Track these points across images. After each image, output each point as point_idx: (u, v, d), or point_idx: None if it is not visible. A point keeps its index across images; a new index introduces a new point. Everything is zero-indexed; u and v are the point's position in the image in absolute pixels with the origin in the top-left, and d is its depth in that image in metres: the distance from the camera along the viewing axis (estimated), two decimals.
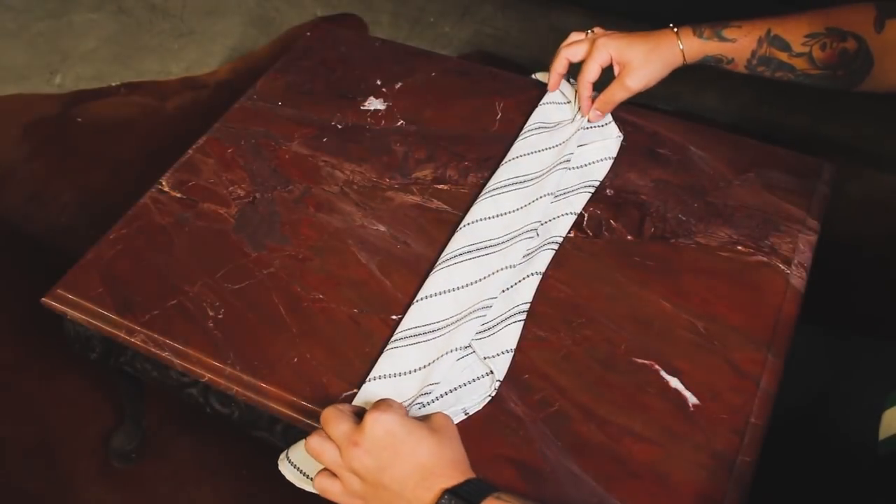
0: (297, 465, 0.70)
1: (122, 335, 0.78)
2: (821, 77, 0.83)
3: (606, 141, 0.93)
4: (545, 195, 0.85)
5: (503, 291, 0.78)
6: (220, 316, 0.78)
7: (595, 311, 0.78)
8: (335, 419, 0.62)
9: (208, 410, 0.82)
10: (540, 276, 0.80)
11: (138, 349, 0.78)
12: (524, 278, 0.79)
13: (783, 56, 0.83)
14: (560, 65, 0.94)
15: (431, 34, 1.89)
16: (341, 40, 1.11)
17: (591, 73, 0.91)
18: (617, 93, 0.90)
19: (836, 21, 0.81)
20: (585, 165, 0.91)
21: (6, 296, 1.32)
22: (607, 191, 0.89)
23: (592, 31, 0.94)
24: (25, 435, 1.17)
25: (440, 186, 0.90)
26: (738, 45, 0.85)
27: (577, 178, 0.90)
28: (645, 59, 0.87)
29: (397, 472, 0.59)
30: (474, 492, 0.58)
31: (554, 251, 0.82)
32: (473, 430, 0.70)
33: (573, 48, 0.93)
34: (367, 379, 0.72)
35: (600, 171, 0.91)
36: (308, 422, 0.71)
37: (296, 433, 0.77)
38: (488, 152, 0.94)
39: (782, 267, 0.81)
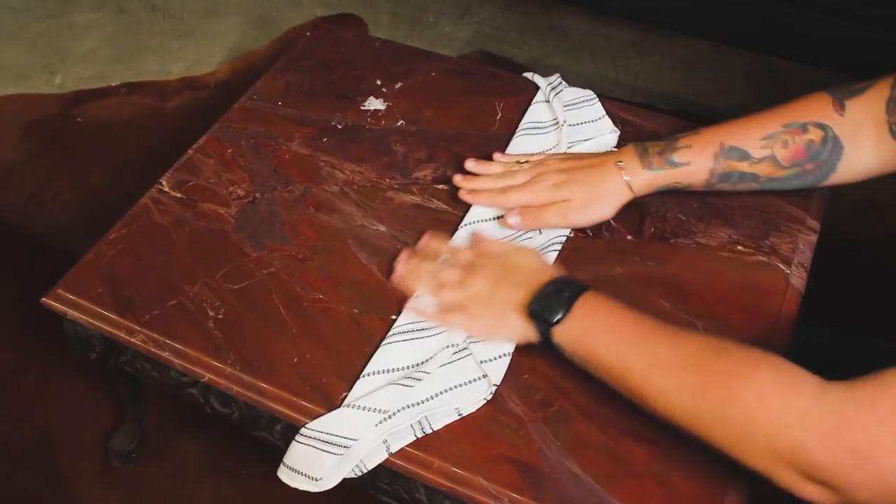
0: (298, 468, 0.70)
1: (122, 335, 0.78)
2: (788, 177, 0.79)
3: (602, 137, 0.93)
4: None
5: None
6: (220, 316, 0.78)
7: None
8: (443, 252, 0.81)
9: (208, 410, 0.82)
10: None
11: (138, 349, 0.78)
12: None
13: (743, 166, 0.78)
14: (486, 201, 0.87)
15: (431, 34, 1.89)
16: (341, 40, 1.11)
17: (510, 202, 0.84)
18: (554, 219, 0.83)
19: (791, 116, 0.77)
20: None
21: (6, 296, 1.32)
22: None
23: (528, 162, 0.87)
24: (25, 435, 1.17)
25: (440, 186, 0.90)
26: (693, 167, 0.79)
27: None
28: (586, 200, 0.82)
29: (514, 277, 0.73)
30: (580, 283, 0.70)
31: (557, 252, 0.82)
32: (473, 430, 0.70)
33: (508, 180, 0.86)
34: (362, 375, 0.72)
35: None
36: (308, 421, 0.71)
37: (295, 433, 0.77)
38: (488, 152, 0.93)
39: (782, 267, 0.81)
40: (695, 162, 0.79)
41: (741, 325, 0.76)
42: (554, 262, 0.80)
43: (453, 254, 0.79)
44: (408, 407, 0.69)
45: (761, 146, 0.78)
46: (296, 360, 0.75)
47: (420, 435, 0.69)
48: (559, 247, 0.83)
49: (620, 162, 0.81)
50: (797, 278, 0.80)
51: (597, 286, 0.79)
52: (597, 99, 0.98)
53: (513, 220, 0.83)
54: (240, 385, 0.74)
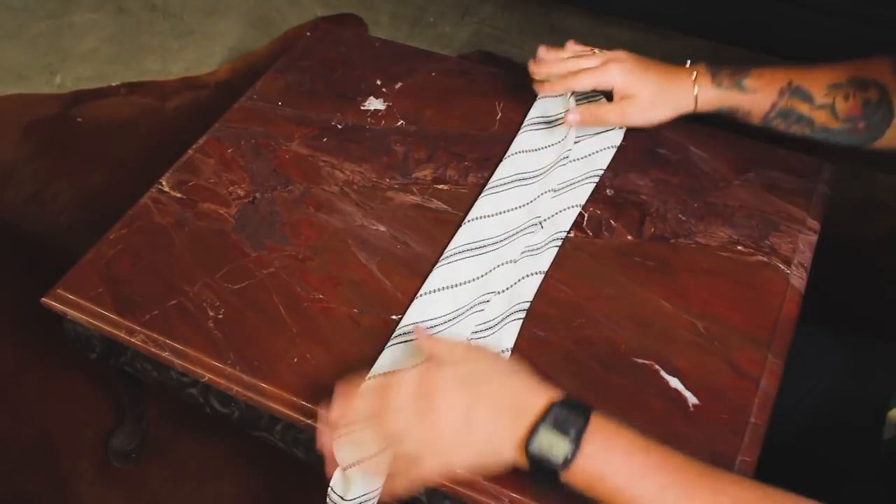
0: (339, 492, 0.66)
1: (122, 335, 0.78)
2: (840, 131, 0.80)
3: (608, 131, 0.93)
4: (546, 192, 0.86)
5: (505, 290, 0.78)
6: (220, 316, 0.78)
7: (595, 311, 0.78)
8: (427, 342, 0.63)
9: (208, 410, 0.82)
10: (542, 276, 0.80)
11: (138, 349, 0.78)
12: (526, 276, 0.79)
13: (804, 108, 0.80)
14: (560, 89, 0.87)
15: (431, 34, 1.89)
16: (341, 40, 1.11)
17: (582, 84, 0.85)
18: (612, 117, 0.84)
19: (857, 72, 0.79)
20: (588, 156, 0.91)
21: (6, 296, 1.32)
22: (607, 191, 0.89)
23: (599, 50, 0.87)
24: (25, 435, 1.17)
25: (440, 186, 0.90)
26: (758, 96, 0.81)
27: (581, 168, 0.90)
28: (652, 101, 0.82)
29: (493, 391, 0.58)
30: (581, 406, 0.57)
31: (557, 248, 0.82)
32: None
33: (582, 62, 0.86)
34: (367, 377, 0.72)
35: (603, 160, 0.90)
36: (308, 422, 0.71)
37: (295, 433, 0.77)
38: (488, 152, 0.94)
39: (782, 267, 0.81)
40: (761, 91, 0.81)
41: (741, 325, 0.76)
42: (532, 374, 0.62)
43: (387, 387, 0.60)
44: None
45: (825, 93, 0.79)
46: (296, 360, 0.75)
47: None
48: (559, 243, 0.83)
49: (694, 73, 0.82)
50: (797, 278, 0.80)
51: (597, 286, 0.80)
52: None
53: (573, 116, 0.85)
54: (240, 385, 0.74)
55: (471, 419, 0.57)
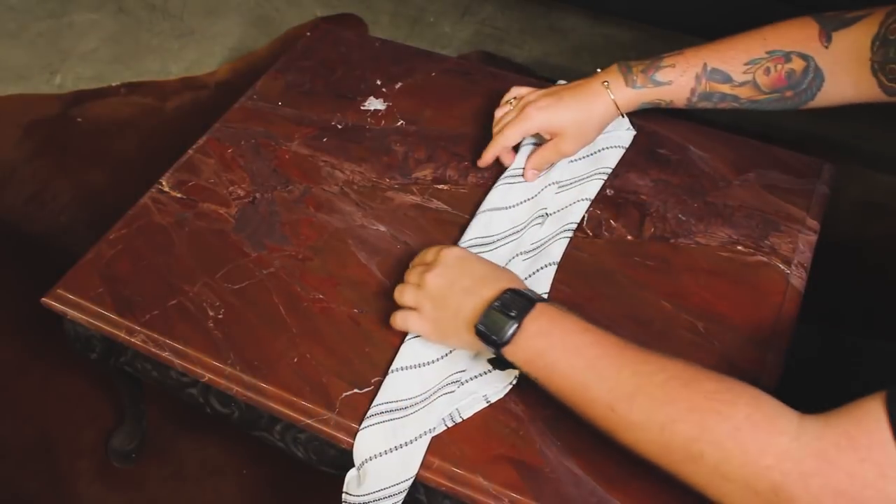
0: (354, 493, 0.69)
1: (122, 335, 0.78)
2: (768, 101, 0.80)
3: (618, 132, 0.93)
4: (551, 184, 0.86)
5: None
6: (220, 316, 0.78)
7: (595, 311, 0.78)
8: (418, 256, 0.74)
9: (208, 410, 0.82)
10: (556, 266, 0.80)
11: (138, 349, 0.78)
12: (540, 269, 0.80)
13: (725, 88, 0.80)
14: (496, 149, 0.88)
15: (431, 34, 1.89)
16: (341, 40, 1.11)
17: (510, 140, 0.86)
18: (551, 156, 0.86)
19: (776, 42, 0.77)
20: (597, 152, 0.91)
21: (6, 296, 1.32)
22: (607, 191, 0.89)
23: (515, 99, 0.89)
24: (25, 435, 1.17)
25: (440, 186, 0.90)
26: (675, 86, 0.80)
27: (590, 165, 0.90)
28: (578, 126, 0.83)
29: (465, 282, 0.68)
30: (531, 295, 0.65)
31: (569, 239, 0.83)
32: (473, 430, 0.70)
33: (503, 118, 0.88)
34: (390, 370, 0.72)
35: (612, 159, 0.91)
36: (308, 421, 0.71)
37: (295, 433, 0.77)
38: None
39: (782, 267, 0.81)
40: (677, 81, 0.80)
41: (741, 325, 0.76)
42: (511, 275, 0.72)
43: (423, 253, 0.75)
44: (443, 398, 0.70)
45: (743, 70, 0.78)
46: (296, 360, 0.75)
47: (450, 425, 0.70)
48: (570, 234, 0.83)
49: (605, 82, 0.83)
50: (797, 278, 0.80)
51: (597, 286, 0.80)
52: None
53: (528, 174, 0.86)
54: (240, 385, 0.74)
55: (447, 296, 0.68)
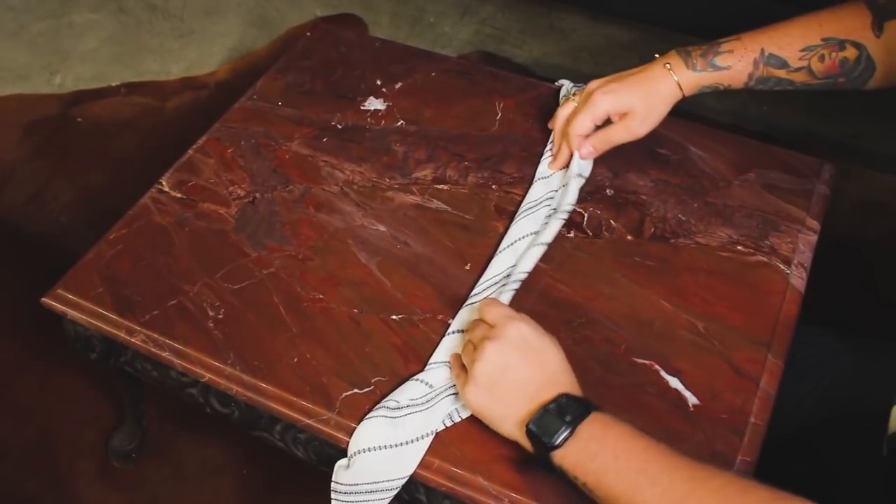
0: (342, 482, 0.70)
1: (122, 335, 0.78)
2: (821, 86, 0.82)
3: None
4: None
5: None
6: (220, 316, 0.78)
7: (595, 311, 0.78)
8: (491, 304, 0.71)
9: (208, 410, 0.82)
10: (545, 247, 0.81)
11: (138, 349, 0.78)
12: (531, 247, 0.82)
13: (781, 73, 0.81)
14: (570, 140, 0.88)
15: (431, 34, 1.89)
16: (341, 40, 1.11)
17: (582, 127, 0.86)
18: (620, 135, 0.85)
19: (830, 30, 0.78)
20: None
21: (6, 296, 1.32)
22: (607, 191, 0.89)
23: (582, 86, 0.89)
24: (25, 435, 1.17)
25: (440, 186, 0.90)
26: (734, 71, 0.82)
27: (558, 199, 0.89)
28: (647, 106, 0.84)
29: (521, 374, 0.65)
30: (587, 403, 0.64)
31: (563, 221, 0.83)
32: (473, 431, 0.70)
33: (568, 109, 0.89)
34: (413, 378, 0.72)
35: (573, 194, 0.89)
36: (308, 421, 0.71)
37: (295, 433, 0.77)
38: (488, 152, 0.94)
39: (782, 267, 0.81)
40: (735, 66, 0.82)
41: (741, 325, 0.76)
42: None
43: (489, 307, 0.71)
44: (435, 402, 0.70)
45: (799, 57, 0.80)
46: (296, 360, 0.75)
47: (448, 424, 0.70)
48: (566, 215, 0.84)
49: (668, 64, 0.83)
50: (797, 278, 0.80)
51: (597, 286, 0.80)
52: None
53: (585, 149, 0.86)
54: (240, 385, 0.74)
55: (496, 382, 0.66)
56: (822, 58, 0.79)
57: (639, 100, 0.83)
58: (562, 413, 0.62)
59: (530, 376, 0.65)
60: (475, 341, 0.68)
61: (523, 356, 0.66)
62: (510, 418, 0.65)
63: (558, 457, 0.62)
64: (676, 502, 0.56)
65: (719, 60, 0.82)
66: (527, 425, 0.63)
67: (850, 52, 0.78)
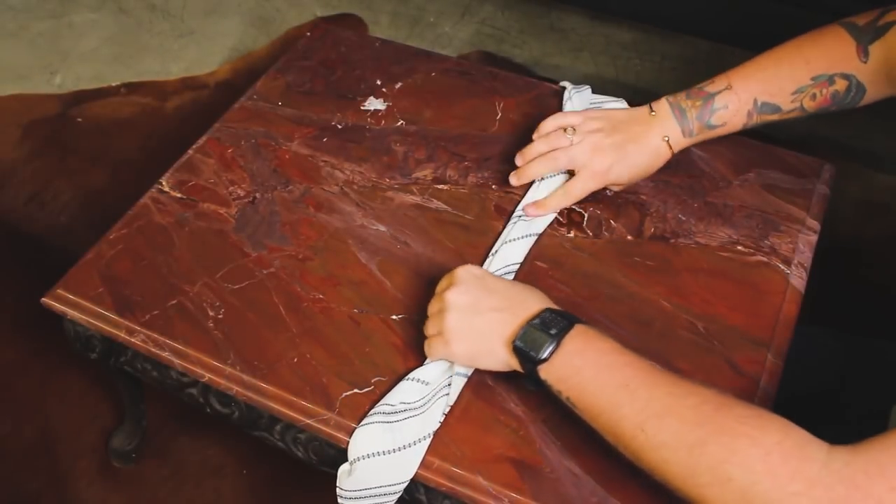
0: (346, 487, 0.70)
1: (122, 335, 0.78)
2: (813, 115, 0.82)
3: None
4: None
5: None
6: (220, 316, 0.78)
7: (595, 311, 0.78)
8: (444, 278, 0.72)
9: (208, 410, 0.82)
10: (535, 238, 0.82)
11: (138, 349, 0.78)
12: (523, 237, 0.82)
13: (774, 117, 0.82)
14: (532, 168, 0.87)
15: (431, 34, 1.89)
16: (341, 40, 1.11)
17: (573, 192, 0.85)
18: (594, 188, 0.85)
19: (819, 66, 0.78)
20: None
21: (6, 296, 1.32)
22: (607, 191, 0.89)
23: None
24: (25, 435, 1.17)
25: (440, 186, 0.90)
26: (729, 125, 0.82)
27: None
28: (637, 178, 0.85)
29: (494, 301, 0.67)
30: (571, 316, 0.65)
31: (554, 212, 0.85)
32: (473, 431, 0.70)
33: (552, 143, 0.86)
34: (406, 377, 0.72)
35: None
36: (308, 421, 0.71)
37: (295, 433, 0.77)
38: (488, 152, 0.94)
39: (782, 267, 0.81)
40: (731, 122, 0.82)
41: (741, 325, 0.76)
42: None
43: (440, 283, 0.74)
44: (430, 405, 0.70)
45: (791, 100, 0.80)
46: (296, 360, 0.75)
47: (440, 420, 0.69)
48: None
49: (666, 137, 0.83)
50: (797, 278, 0.80)
51: (597, 286, 0.80)
52: (625, 104, 0.95)
53: (532, 210, 0.85)
54: (240, 385, 0.74)
55: (473, 316, 0.67)
56: (813, 97, 0.79)
57: (635, 175, 0.85)
58: (546, 327, 0.64)
59: (500, 301, 0.67)
60: (434, 310, 0.70)
61: (486, 288, 0.69)
62: (496, 345, 0.66)
63: (544, 371, 0.63)
64: (655, 418, 0.57)
65: (714, 119, 0.82)
66: (513, 342, 0.65)
67: (841, 85, 0.78)
